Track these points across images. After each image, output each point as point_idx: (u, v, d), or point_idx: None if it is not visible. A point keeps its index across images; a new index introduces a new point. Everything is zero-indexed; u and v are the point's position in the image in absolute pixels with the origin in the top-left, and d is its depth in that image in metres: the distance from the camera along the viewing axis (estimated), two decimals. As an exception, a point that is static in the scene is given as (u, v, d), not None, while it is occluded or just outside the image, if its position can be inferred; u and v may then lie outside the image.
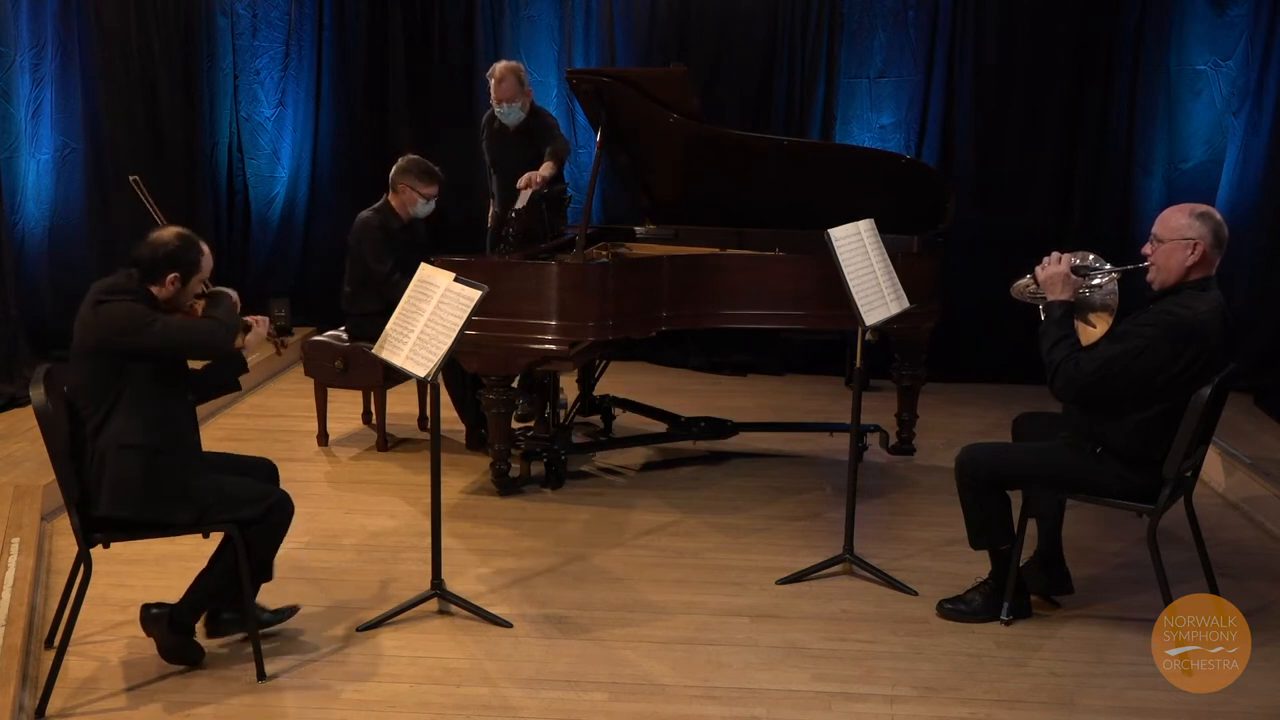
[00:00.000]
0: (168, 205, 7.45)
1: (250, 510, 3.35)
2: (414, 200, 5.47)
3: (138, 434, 3.25)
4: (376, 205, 5.52)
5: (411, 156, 5.55)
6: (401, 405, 6.01)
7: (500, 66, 5.74)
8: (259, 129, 7.60)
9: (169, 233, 3.34)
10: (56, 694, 3.24)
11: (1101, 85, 6.81)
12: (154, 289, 3.31)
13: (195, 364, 3.56)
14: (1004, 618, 3.80)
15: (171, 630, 3.44)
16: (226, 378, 3.68)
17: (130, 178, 3.59)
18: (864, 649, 3.66)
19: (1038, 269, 3.75)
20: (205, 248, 3.40)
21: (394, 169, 5.50)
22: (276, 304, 7.37)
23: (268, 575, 3.62)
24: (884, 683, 3.46)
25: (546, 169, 5.55)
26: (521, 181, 5.50)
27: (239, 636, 3.57)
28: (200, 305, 3.47)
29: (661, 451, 5.63)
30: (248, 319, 3.51)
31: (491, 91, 5.75)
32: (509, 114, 5.78)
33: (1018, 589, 3.82)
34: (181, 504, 3.32)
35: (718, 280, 4.93)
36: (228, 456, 3.68)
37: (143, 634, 3.53)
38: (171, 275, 3.29)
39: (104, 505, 3.26)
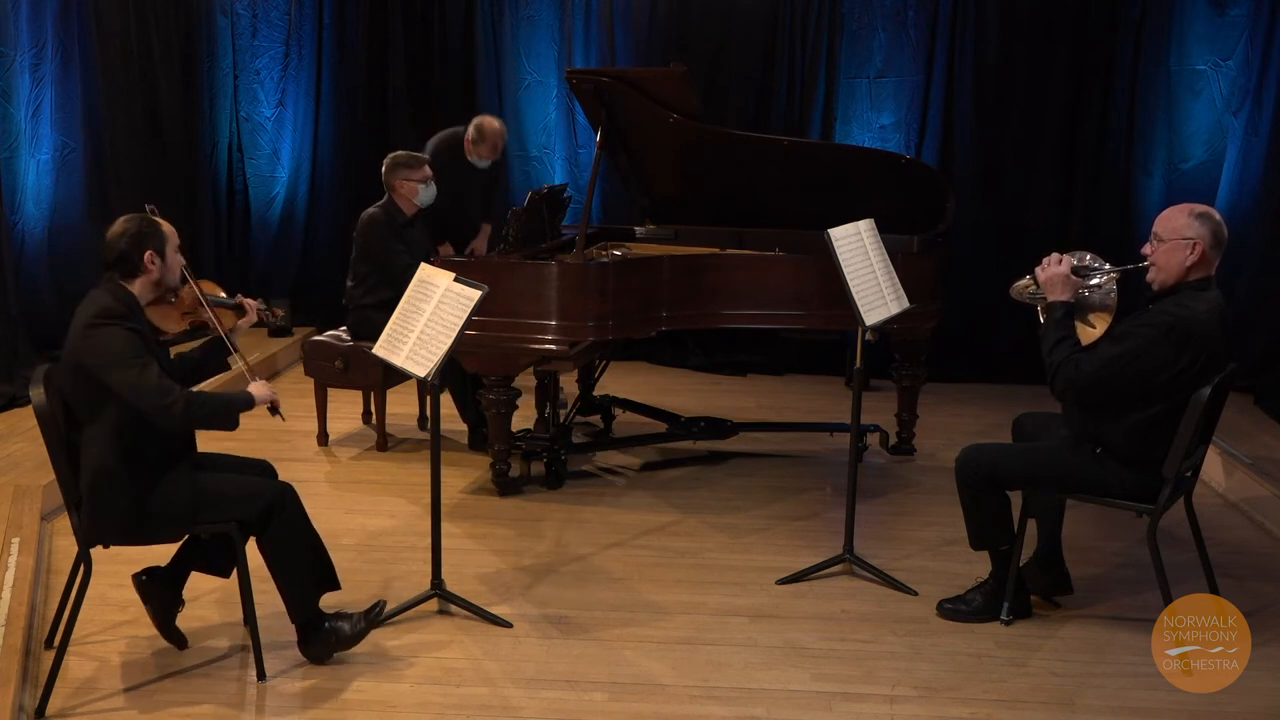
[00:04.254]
0: (168, 205, 7.53)
1: (244, 509, 3.34)
2: (414, 191, 5.49)
3: (119, 459, 3.21)
4: (381, 202, 5.54)
5: (392, 154, 5.60)
6: (401, 405, 6.01)
7: (501, 129, 6.09)
8: (259, 129, 7.60)
9: (119, 223, 3.30)
10: (56, 694, 3.25)
11: (1101, 85, 6.81)
12: (140, 282, 3.28)
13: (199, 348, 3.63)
14: (1004, 618, 3.81)
15: (310, 641, 3.48)
16: (219, 364, 3.67)
17: (148, 206, 3.58)
18: (864, 649, 3.66)
19: (1038, 270, 3.75)
20: (160, 219, 3.37)
21: (383, 173, 5.52)
22: (277, 304, 7.37)
23: (328, 582, 3.54)
24: (884, 683, 3.46)
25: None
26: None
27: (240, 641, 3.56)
28: (192, 319, 3.49)
29: (661, 451, 5.62)
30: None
31: (484, 149, 6.05)
32: (484, 163, 6.16)
33: (1018, 589, 3.83)
34: (169, 522, 3.31)
35: (718, 280, 4.93)
36: (225, 457, 3.66)
37: (143, 634, 3.52)
38: (148, 253, 3.27)
39: (92, 533, 3.26)
